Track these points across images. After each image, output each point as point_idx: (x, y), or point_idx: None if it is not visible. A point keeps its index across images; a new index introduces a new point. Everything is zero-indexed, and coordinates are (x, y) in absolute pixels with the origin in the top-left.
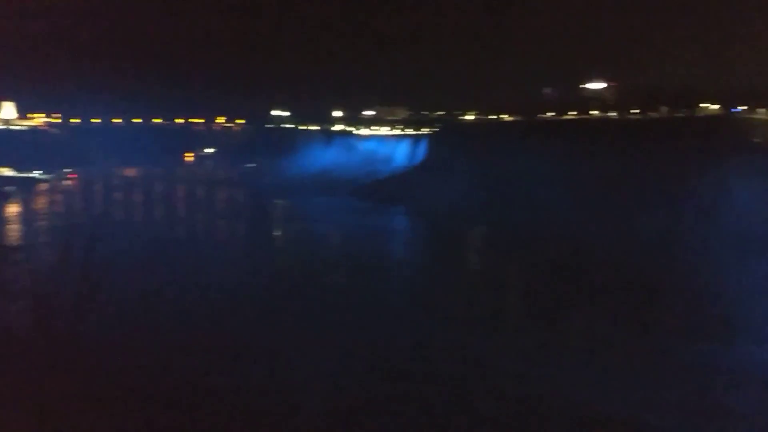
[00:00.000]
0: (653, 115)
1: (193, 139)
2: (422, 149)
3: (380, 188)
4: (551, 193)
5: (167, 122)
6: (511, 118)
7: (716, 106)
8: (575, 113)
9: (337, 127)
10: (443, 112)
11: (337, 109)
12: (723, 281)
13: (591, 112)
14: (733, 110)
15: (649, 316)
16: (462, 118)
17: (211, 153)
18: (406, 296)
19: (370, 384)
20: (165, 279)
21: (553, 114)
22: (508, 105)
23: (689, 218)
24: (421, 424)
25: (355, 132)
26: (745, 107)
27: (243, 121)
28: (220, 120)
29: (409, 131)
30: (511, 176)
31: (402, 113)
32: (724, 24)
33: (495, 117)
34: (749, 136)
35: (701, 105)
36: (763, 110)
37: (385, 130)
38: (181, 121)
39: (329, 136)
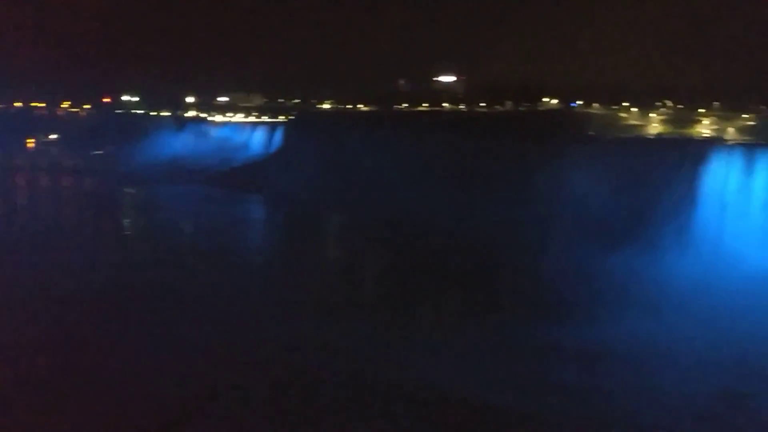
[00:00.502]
0: (499, 108)
1: (35, 124)
2: (278, 137)
3: (235, 176)
4: (404, 183)
5: (5, 105)
6: (366, 108)
7: (556, 101)
8: (428, 105)
9: (190, 114)
10: (299, 100)
11: (190, 94)
12: (561, 265)
13: (443, 105)
14: (571, 105)
15: (491, 300)
16: (318, 106)
17: (55, 139)
18: (257, 286)
19: (215, 373)
20: None
21: (407, 105)
22: (364, 95)
23: (532, 207)
24: (271, 410)
25: (209, 119)
26: (582, 102)
27: (89, 106)
28: (65, 104)
29: (265, 119)
30: (366, 166)
31: (257, 100)
32: (563, 23)
33: (351, 107)
34: (586, 129)
35: (543, 99)
36: (597, 105)
37: (240, 117)
38: (20, 104)
39: (182, 123)
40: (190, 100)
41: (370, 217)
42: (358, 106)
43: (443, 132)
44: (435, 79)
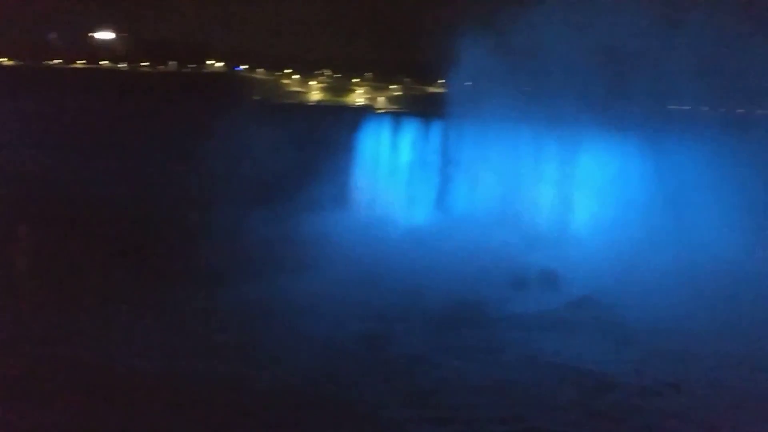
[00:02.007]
0: (162, 68)
1: None
2: None
3: None
4: (54, 145)
5: None
6: (10, 63)
7: (221, 64)
8: (84, 62)
9: None
10: None
11: None
12: (223, 229)
13: (101, 62)
14: (236, 68)
15: (151, 269)
16: None
17: None
18: None
19: None
20: None
21: (61, 61)
22: (9, 47)
23: (193, 171)
24: None
25: None
26: (247, 66)
27: None
28: None
29: None
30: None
31: None
32: None
33: None
34: (250, 94)
35: (208, 62)
36: (262, 70)
37: None
38: None
39: None
40: None
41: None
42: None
43: (99, 91)
44: (91, 34)
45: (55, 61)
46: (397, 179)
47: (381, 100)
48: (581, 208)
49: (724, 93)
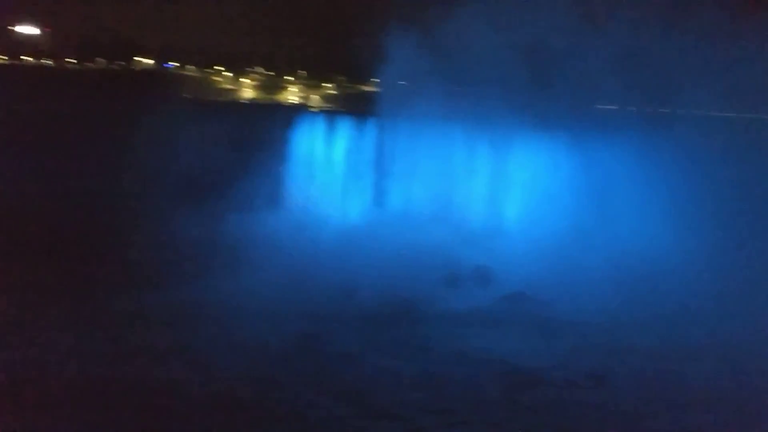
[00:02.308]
0: (89, 65)
1: None
2: None
3: None
4: None
5: None
6: None
7: (150, 61)
8: (5, 58)
9: None
10: None
11: None
12: (154, 230)
13: (22, 58)
14: (165, 65)
15: (82, 274)
16: None
17: None
18: None
19: None
20: None
21: None
22: None
23: (122, 171)
24: None
25: None
26: (177, 63)
27: None
28: None
29: None
30: None
31: None
32: None
33: None
34: (181, 92)
35: (136, 58)
36: (192, 67)
37: None
38: None
39: None
40: None
41: None
42: None
43: (21, 88)
44: (11, 27)
45: None
46: (331, 178)
47: (315, 99)
48: (513, 206)
49: (650, 93)
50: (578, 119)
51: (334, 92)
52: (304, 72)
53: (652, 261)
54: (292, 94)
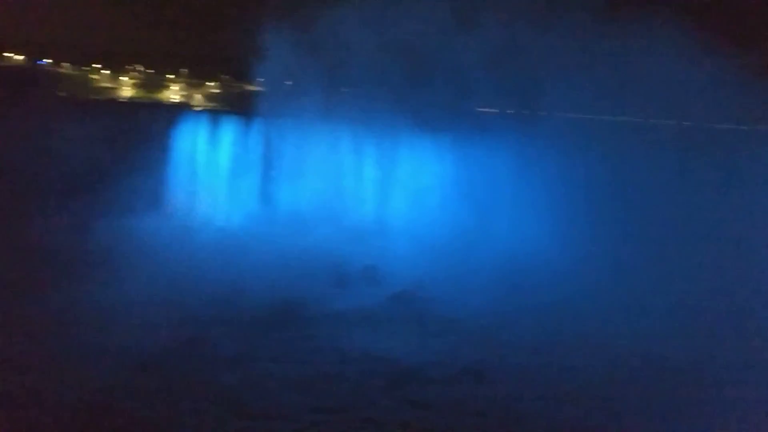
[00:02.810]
0: None
1: None
2: None
3: None
4: None
5: None
6: None
7: (21, 57)
8: None
9: None
10: None
11: None
12: (44, 233)
13: None
14: (38, 62)
15: None
16: None
17: None
18: None
19: None
20: None
21: None
22: None
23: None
24: None
25: None
26: (51, 60)
27: None
28: None
29: None
30: None
31: None
32: None
33: None
34: (55, 89)
35: (6, 54)
36: (67, 64)
37: None
38: None
39: None
40: None
41: None
42: None
43: None
44: None
45: None
46: (216, 179)
47: (198, 98)
48: (398, 205)
49: (528, 96)
50: (459, 120)
51: (218, 91)
52: (187, 70)
53: (530, 258)
54: (174, 93)
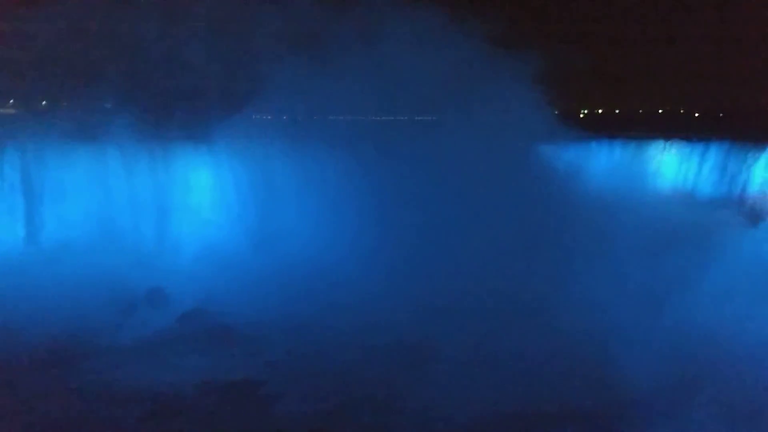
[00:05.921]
0: None
1: None
2: None
3: None
4: None
5: None
6: None
7: None
8: None
9: None
10: None
11: None
12: None
13: None
14: None
15: None
16: None
17: None
18: None
19: None
20: None
21: None
22: None
23: None
24: None
25: None
26: None
27: None
28: None
29: None
30: None
31: None
32: None
33: None
34: None
35: None
36: None
37: None
38: None
39: None
40: None
41: None
42: None
43: None
44: None
45: None
46: None
47: None
48: (180, 223)
49: (299, 101)
50: (232, 129)
51: None
52: None
53: (315, 262)
54: None
